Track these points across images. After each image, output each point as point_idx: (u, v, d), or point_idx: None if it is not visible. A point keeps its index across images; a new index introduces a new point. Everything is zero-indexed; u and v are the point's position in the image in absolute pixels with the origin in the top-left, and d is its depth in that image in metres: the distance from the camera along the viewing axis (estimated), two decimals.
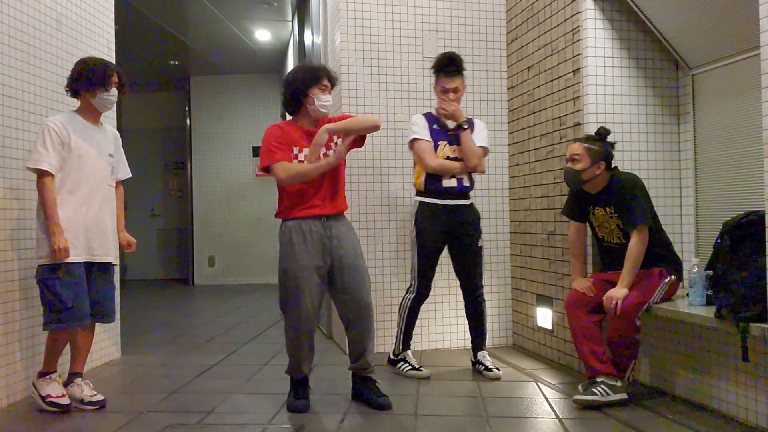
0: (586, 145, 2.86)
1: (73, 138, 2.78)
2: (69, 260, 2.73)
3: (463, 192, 3.29)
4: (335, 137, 2.79)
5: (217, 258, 8.60)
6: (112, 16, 3.98)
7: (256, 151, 8.24)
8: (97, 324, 2.97)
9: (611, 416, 2.63)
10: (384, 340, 3.88)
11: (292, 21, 6.50)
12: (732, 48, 2.87)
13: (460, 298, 3.47)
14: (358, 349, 2.86)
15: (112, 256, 2.98)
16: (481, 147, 3.28)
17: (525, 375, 3.37)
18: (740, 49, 2.82)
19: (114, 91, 2.90)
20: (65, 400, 2.78)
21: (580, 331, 2.84)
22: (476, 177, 3.43)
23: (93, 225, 2.84)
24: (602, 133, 2.89)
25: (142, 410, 2.81)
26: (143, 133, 8.99)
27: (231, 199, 8.58)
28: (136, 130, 8.72)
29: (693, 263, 2.66)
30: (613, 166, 2.90)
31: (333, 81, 2.87)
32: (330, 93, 2.85)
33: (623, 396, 2.75)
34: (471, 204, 3.36)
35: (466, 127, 3.21)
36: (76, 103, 2.96)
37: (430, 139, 3.26)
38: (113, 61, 3.71)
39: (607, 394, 2.72)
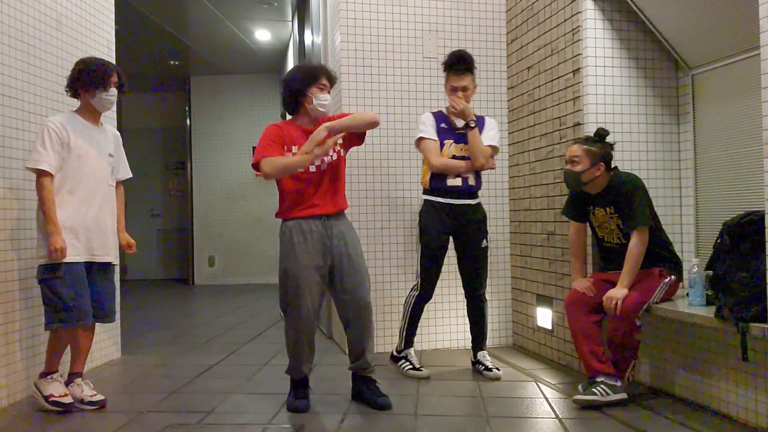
0: (585, 146, 2.86)
1: (73, 138, 2.78)
2: (70, 260, 2.73)
3: (468, 191, 3.28)
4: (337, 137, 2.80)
5: (217, 258, 8.60)
6: (112, 16, 3.98)
7: None
8: (97, 324, 2.97)
9: (611, 416, 2.63)
10: (384, 340, 3.88)
11: (292, 21, 6.50)
12: (732, 48, 2.87)
13: (461, 298, 3.47)
14: (358, 349, 2.86)
15: (112, 256, 2.98)
16: (489, 146, 3.26)
17: (525, 375, 3.37)
18: (740, 49, 2.82)
19: (113, 91, 2.90)
20: (68, 399, 2.78)
21: (579, 331, 2.84)
22: None
23: (93, 225, 2.84)
24: (601, 134, 2.89)
25: (142, 410, 2.82)
26: (143, 133, 8.98)
27: (231, 199, 8.58)
28: (136, 130, 8.71)
29: (693, 263, 2.66)
30: (613, 166, 2.90)
31: (332, 80, 2.87)
32: (329, 92, 2.85)
33: (623, 396, 2.75)
34: (478, 204, 3.34)
35: (473, 126, 3.19)
36: (76, 103, 2.96)
37: (435, 138, 3.26)
38: (113, 61, 3.72)
39: (607, 394, 2.72)
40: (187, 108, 8.70)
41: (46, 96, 3.24)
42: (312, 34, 5.28)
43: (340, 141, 2.83)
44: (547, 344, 3.68)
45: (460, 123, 3.26)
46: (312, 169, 2.77)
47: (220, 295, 7.44)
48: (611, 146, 2.91)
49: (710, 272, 2.54)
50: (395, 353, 3.48)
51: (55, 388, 2.78)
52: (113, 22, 3.98)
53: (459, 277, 3.45)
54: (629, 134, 3.26)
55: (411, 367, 3.36)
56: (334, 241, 2.78)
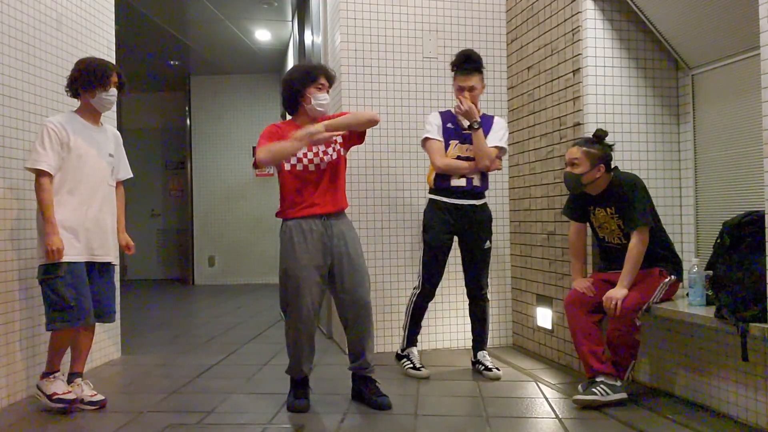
0: (584, 148, 2.85)
1: (73, 138, 2.78)
2: (71, 260, 2.73)
3: (473, 192, 3.27)
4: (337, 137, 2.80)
5: (217, 258, 8.60)
6: (112, 16, 3.98)
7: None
8: (97, 324, 2.97)
9: (611, 416, 2.63)
10: (384, 340, 3.88)
11: (292, 21, 6.50)
12: (732, 48, 2.87)
13: (461, 298, 3.47)
14: (357, 349, 2.86)
15: (112, 256, 2.98)
16: (495, 147, 3.23)
17: (525, 375, 3.37)
18: (740, 49, 2.82)
19: (113, 91, 2.90)
20: (71, 396, 2.78)
21: (579, 331, 2.84)
22: None
23: (93, 225, 2.84)
24: (600, 135, 2.89)
25: (142, 410, 2.82)
26: (143, 133, 8.99)
27: (231, 199, 8.58)
28: (136, 130, 8.72)
29: (693, 263, 2.66)
30: (613, 166, 2.90)
31: (330, 80, 2.87)
32: (327, 91, 2.85)
33: (623, 396, 2.75)
34: (483, 204, 3.32)
35: (476, 127, 3.16)
36: (76, 103, 2.96)
37: (440, 139, 3.26)
38: (113, 61, 3.72)
39: (607, 393, 2.72)
40: (187, 108, 8.70)
41: (46, 96, 3.24)
42: (312, 34, 5.28)
43: (340, 140, 2.83)
44: (547, 344, 3.68)
45: (466, 123, 3.25)
46: (311, 168, 2.77)
47: (220, 295, 7.44)
48: (611, 147, 2.91)
49: (710, 272, 2.54)
50: (399, 352, 3.49)
51: (58, 387, 2.78)
52: (113, 22, 3.98)
53: (459, 277, 3.45)
54: (629, 134, 3.26)
55: (411, 366, 3.36)
56: (334, 241, 2.79)
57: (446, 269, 3.37)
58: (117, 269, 3.28)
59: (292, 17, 6.40)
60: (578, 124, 3.30)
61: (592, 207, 2.95)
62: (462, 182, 3.24)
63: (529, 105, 3.84)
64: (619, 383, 2.76)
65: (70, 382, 2.88)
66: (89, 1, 3.71)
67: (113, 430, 2.56)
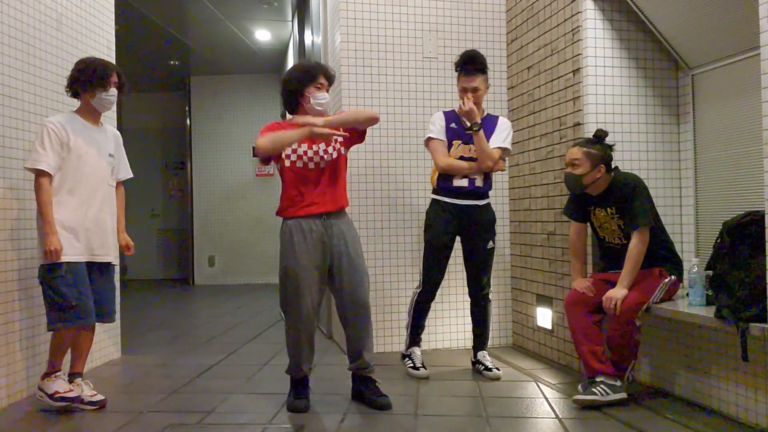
0: (585, 149, 2.85)
1: (73, 138, 2.78)
2: (71, 259, 2.73)
3: (475, 192, 3.26)
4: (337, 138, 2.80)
5: (217, 258, 8.60)
6: (112, 16, 3.98)
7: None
8: (97, 324, 2.97)
9: (611, 416, 2.63)
10: (384, 340, 3.88)
11: (292, 21, 6.50)
12: (732, 48, 2.87)
13: (461, 298, 3.47)
14: (356, 349, 2.86)
15: (112, 256, 2.98)
16: (499, 148, 3.22)
17: (525, 375, 3.37)
18: (740, 49, 2.82)
19: (113, 91, 2.90)
20: (73, 393, 2.78)
21: (579, 331, 2.84)
22: None
23: (93, 225, 2.84)
24: (600, 136, 2.89)
25: (142, 410, 2.82)
26: (143, 133, 8.99)
27: (231, 199, 8.58)
28: (136, 130, 8.71)
29: (693, 263, 2.66)
30: (613, 166, 2.90)
31: (330, 79, 2.87)
32: (327, 90, 2.85)
33: (623, 396, 2.75)
34: (486, 205, 3.31)
35: (476, 129, 3.15)
36: (76, 103, 2.96)
37: (443, 139, 3.26)
38: (113, 61, 3.72)
39: (607, 393, 2.72)
40: (187, 108, 8.71)
41: (46, 96, 3.24)
42: (312, 34, 5.28)
43: (341, 139, 2.83)
44: (547, 344, 3.68)
45: (478, 120, 3.23)
46: (311, 166, 2.77)
47: (220, 295, 7.45)
48: (611, 147, 2.91)
49: (710, 272, 2.54)
50: (403, 351, 3.49)
51: (60, 385, 2.78)
52: (113, 22, 3.98)
53: (459, 277, 3.45)
54: (629, 134, 3.26)
55: (412, 366, 3.37)
56: (334, 241, 2.79)
57: (446, 269, 3.37)
58: (117, 269, 3.28)
59: (292, 17, 6.40)
60: (578, 124, 3.30)
61: (593, 207, 2.95)
62: (464, 182, 3.24)
63: (529, 105, 3.84)
64: (619, 383, 2.76)
65: (70, 382, 2.88)
66: (89, 1, 3.71)
67: (113, 430, 2.56)
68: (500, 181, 4.09)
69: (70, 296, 2.70)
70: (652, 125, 3.29)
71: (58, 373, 2.82)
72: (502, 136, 3.25)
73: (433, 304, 3.45)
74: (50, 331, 2.79)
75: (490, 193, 3.34)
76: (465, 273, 3.40)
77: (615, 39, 3.26)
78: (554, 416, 2.68)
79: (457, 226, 3.27)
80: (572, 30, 3.35)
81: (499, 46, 4.13)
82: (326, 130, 2.65)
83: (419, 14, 4.02)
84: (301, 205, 2.77)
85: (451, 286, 3.83)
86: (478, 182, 3.26)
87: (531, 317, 3.85)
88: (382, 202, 3.95)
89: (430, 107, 3.94)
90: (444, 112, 3.35)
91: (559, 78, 3.49)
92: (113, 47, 3.95)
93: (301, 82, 2.81)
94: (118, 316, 3.61)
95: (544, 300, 3.67)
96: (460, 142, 3.25)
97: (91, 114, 2.91)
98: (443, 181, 3.27)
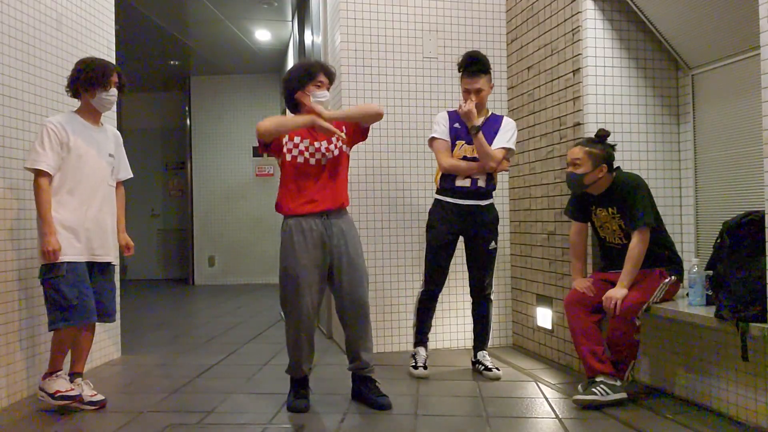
0: (586, 148, 2.85)
1: (73, 138, 2.78)
2: (72, 259, 2.74)
3: (478, 192, 3.25)
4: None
5: (217, 258, 8.60)
6: (112, 16, 3.98)
7: (256, 151, 8.24)
8: (97, 324, 2.97)
9: (611, 416, 2.63)
10: (384, 340, 3.88)
11: (292, 21, 6.50)
12: (732, 48, 2.87)
13: (461, 298, 3.47)
14: (355, 349, 2.86)
15: (112, 256, 2.98)
16: (502, 148, 3.21)
17: (525, 375, 3.37)
18: (740, 49, 2.82)
19: (114, 91, 2.90)
20: (74, 392, 2.78)
21: (579, 331, 2.84)
22: None
23: (93, 225, 2.84)
24: (602, 135, 2.89)
25: (142, 410, 2.82)
26: (143, 133, 8.99)
27: (231, 199, 8.58)
28: (136, 130, 8.71)
29: (693, 263, 2.66)
30: (615, 167, 2.90)
31: (330, 77, 2.87)
32: (327, 89, 2.85)
33: (623, 396, 2.75)
34: (489, 205, 3.31)
35: (473, 133, 3.14)
36: (76, 103, 2.96)
37: (447, 138, 3.26)
38: (113, 61, 3.72)
39: (607, 393, 2.72)
40: (187, 108, 8.70)
41: (46, 96, 3.24)
42: (312, 34, 5.28)
43: (344, 136, 2.83)
44: (547, 344, 3.68)
45: (477, 123, 3.22)
46: (312, 162, 2.78)
47: (220, 295, 7.45)
48: (613, 147, 2.91)
49: (710, 272, 2.54)
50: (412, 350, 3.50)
51: (61, 385, 2.78)
52: (113, 22, 3.98)
53: (459, 277, 3.45)
54: (629, 134, 3.26)
55: (413, 365, 3.37)
56: (334, 240, 2.79)
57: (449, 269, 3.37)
58: (117, 269, 3.28)
59: (292, 17, 6.40)
60: (578, 124, 3.30)
61: (594, 207, 2.95)
62: (466, 183, 3.24)
63: (529, 105, 3.84)
64: (619, 383, 2.76)
65: (70, 382, 2.88)
66: (89, 1, 3.71)
67: (113, 430, 2.56)
68: (500, 181, 4.07)
69: (71, 295, 2.71)
70: (652, 125, 3.29)
71: (59, 373, 2.82)
72: (506, 136, 3.25)
73: None
74: (51, 330, 2.79)
75: (493, 193, 3.34)
76: (466, 273, 3.40)
77: (615, 39, 3.26)
78: (554, 416, 2.68)
79: (460, 226, 3.27)
80: (572, 30, 3.35)
81: (499, 46, 4.13)
82: (328, 125, 2.66)
83: (419, 14, 4.02)
84: (300, 201, 2.77)
85: (451, 286, 3.82)
86: (481, 182, 3.25)
87: (531, 317, 3.85)
88: (382, 202, 3.95)
89: (430, 107, 3.94)
90: (448, 112, 3.35)
91: (559, 78, 3.49)
92: (113, 47, 3.95)
93: (300, 81, 2.81)
94: (118, 316, 3.61)
95: (544, 300, 3.67)
96: (463, 142, 3.24)
97: (91, 114, 2.91)
98: (446, 181, 3.27)
